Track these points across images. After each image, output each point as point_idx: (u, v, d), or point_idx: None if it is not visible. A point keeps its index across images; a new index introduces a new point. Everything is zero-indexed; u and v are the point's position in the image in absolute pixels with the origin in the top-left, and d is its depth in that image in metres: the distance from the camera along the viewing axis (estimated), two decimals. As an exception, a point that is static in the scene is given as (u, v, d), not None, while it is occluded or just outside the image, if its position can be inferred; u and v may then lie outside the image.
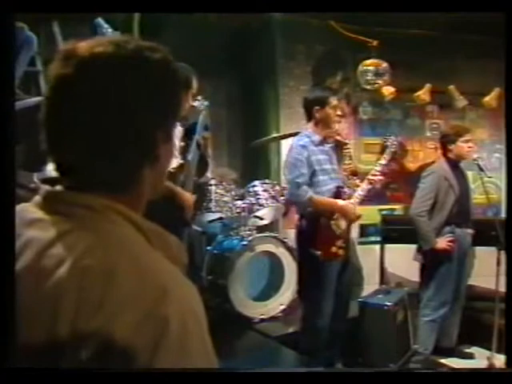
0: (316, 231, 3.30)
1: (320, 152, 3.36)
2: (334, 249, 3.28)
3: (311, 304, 3.40)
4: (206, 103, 3.65)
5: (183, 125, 3.42)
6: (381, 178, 3.48)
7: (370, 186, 3.44)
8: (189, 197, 3.24)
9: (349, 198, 3.39)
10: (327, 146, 3.44)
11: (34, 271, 0.71)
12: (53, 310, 0.67)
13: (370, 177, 3.46)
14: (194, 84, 3.38)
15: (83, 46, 0.77)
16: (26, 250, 0.74)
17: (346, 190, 3.41)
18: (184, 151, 3.44)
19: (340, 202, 3.31)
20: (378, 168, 3.52)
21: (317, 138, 3.37)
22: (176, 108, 0.85)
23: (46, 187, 0.80)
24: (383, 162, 3.57)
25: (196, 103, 3.64)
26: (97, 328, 0.65)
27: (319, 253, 3.25)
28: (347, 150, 3.67)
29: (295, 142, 3.37)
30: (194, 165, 3.52)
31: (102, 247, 0.71)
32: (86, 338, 0.65)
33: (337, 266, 3.36)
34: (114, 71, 0.75)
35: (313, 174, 3.30)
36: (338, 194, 3.36)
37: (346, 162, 3.60)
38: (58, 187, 0.79)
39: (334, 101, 3.38)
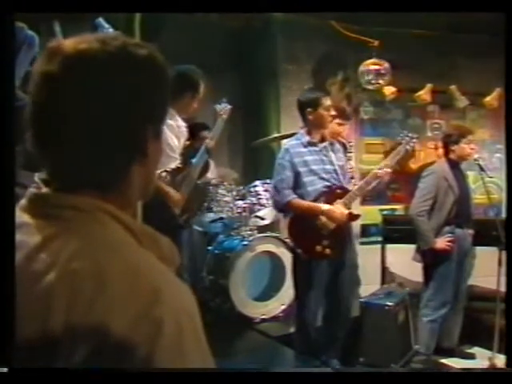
0: (298, 230, 3.31)
1: (309, 153, 3.33)
2: (318, 248, 3.25)
3: (300, 303, 3.40)
4: (228, 107, 3.58)
5: (188, 125, 3.40)
6: (389, 171, 3.35)
7: (376, 180, 3.34)
8: (175, 194, 3.21)
9: (341, 197, 3.30)
10: (320, 146, 3.38)
11: (23, 276, 0.70)
12: (43, 314, 0.66)
13: (377, 170, 3.36)
14: (201, 88, 3.32)
15: (68, 43, 0.76)
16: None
17: (338, 190, 3.34)
18: (187, 152, 3.41)
19: (324, 206, 3.24)
20: (388, 162, 3.41)
21: (307, 138, 3.35)
22: (164, 105, 0.84)
23: (32, 190, 0.78)
24: (395, 158, 3.45)
25: (218, 106, 3.57)
26: (90, 330, 0.64)
27: (300, 251, 3.28)
28: (350, 154, 3.62)
29: (283, 146, 3.36)
30: (198, 168, 3.47)
31: (90, 249, 0.70)
32: (79, 341, 0.64)
33: (326, 266, 3.33)
34: (99, 68, 0.74)
35: (297, 175, 3.28)
36: (327, 193, 3.30)
37: (349, 166, 3.55)
38: (45, 189, 0.77)
39: (326, 101, 3.35)
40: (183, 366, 0.67)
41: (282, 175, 3.28)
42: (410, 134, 3.61)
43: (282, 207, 3.34)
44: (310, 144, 3.36)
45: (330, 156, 3.39)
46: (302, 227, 3.29)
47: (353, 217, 3.36)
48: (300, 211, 3.28)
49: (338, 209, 3.26)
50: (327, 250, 3.26)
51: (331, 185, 3.34)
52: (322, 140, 3.41)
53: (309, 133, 3.38)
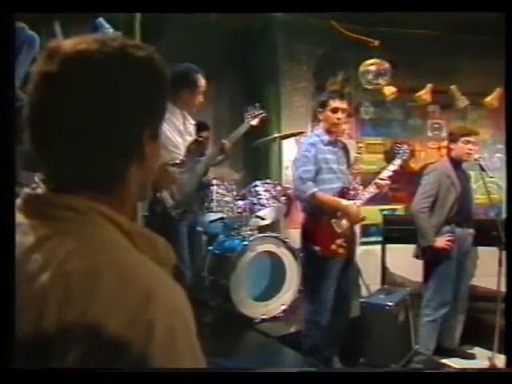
0: (316, 227, 3.35)
1: (328, 151, 3.42)
2: (333, 246, 3.31)
3: (312, 301, 3.43)
4: (261, 112, 3.62)
5: (196, 122, 3.46)
6: (388, 183, 3.48)
7: (377, 190, 3.46)
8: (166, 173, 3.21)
9: (353, 199, 3.41)
10: (337, 148, 3.50)
11: (17, 275, 0.69)
12: (37, 314, 0.66)
13: (378, 181, 3.47)
14: (201, 82, 3.40)
15: (67, 44, 0.76)
16: None
17: (351, 191, 3.44)
18: (192, 148, 3.45)
19: (344, 201, 3.34)
20: (387, 174, 3.52)
21: (326, 137, 3.43)
22: (162, 107, 0.84)
23: (27, 190, 0.78)
24: (393, 168, 3.56)
25: (249, 109, 3.63)
26: (83, 331, 0.64)
27: (318, 248, 3.31)
28: (358, 154, 3.70)
29: (305, 140, 3.48)
30: (204, 166, 3.52)
31: (84, 251, 0.70)
32: (72, 341, 0.64)
33: (338, 265, 3.38)
34: (98, 68, 0.74)
35: (318, 171, 3.36)
36: (342, 193, 3.40)
37: (355, 166, 3.64)
38: (40, 189, 0.77)
39: (333, 103, 3.42)
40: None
41: (307, 167, 3.33)
42: (404, 146, 3.75)
43: (305, 198, 3.35)
44: (330, 143, 3.44)
45: (343, 158, 3.53)
46: (318, 225, 3.36)
47: (362, 219, 3.50)
48: (321, 204, 3.33)
49: (354, 207, 3.36)
50: (340, 249, 3.33)
51: (345, 186, 3.44)
52: (336, 141, 3.50)
53: (326, 132, 3.46)
